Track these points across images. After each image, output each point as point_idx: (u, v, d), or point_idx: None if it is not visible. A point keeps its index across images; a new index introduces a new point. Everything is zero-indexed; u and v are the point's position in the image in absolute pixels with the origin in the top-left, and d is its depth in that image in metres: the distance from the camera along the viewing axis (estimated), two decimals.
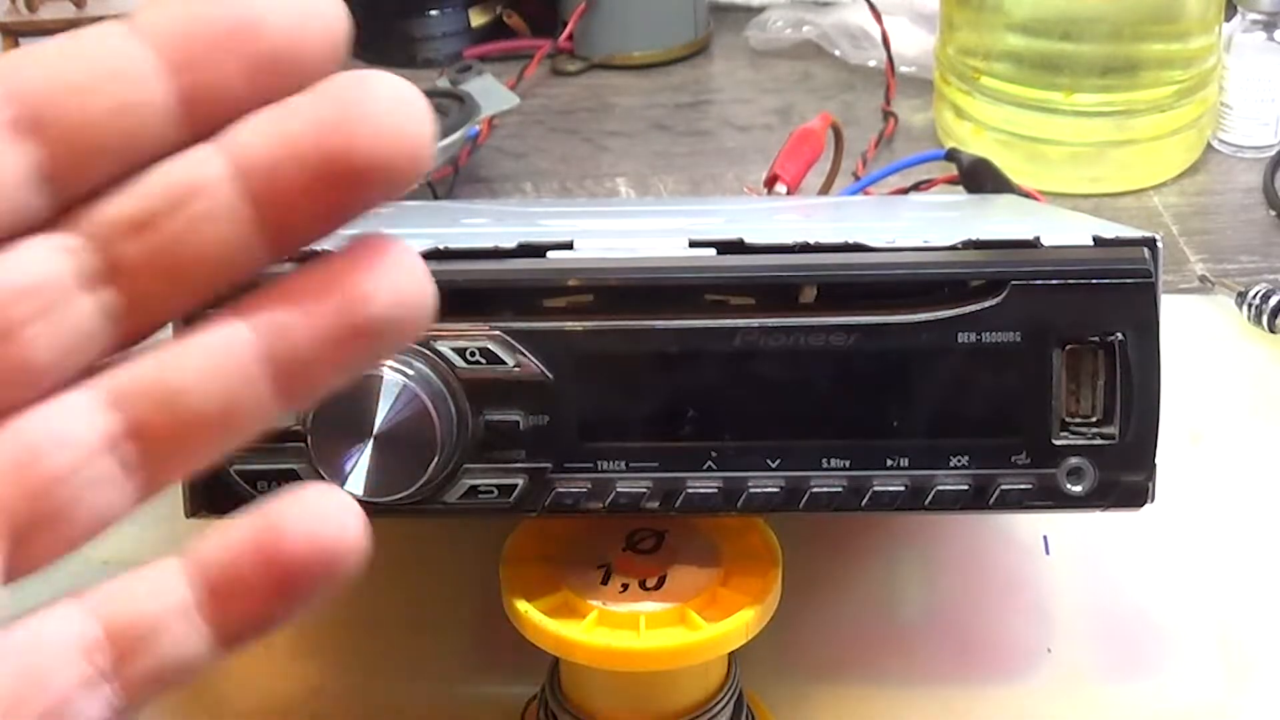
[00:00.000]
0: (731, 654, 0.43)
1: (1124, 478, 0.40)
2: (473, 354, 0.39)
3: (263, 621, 0.25)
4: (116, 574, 0.25)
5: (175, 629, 0.25)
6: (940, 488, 0.40)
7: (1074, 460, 0.40)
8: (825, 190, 0.77)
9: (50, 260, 0.24)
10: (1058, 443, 0.40)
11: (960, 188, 0.72)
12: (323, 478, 0.38)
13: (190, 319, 0.25)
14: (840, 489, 0.40)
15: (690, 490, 0.40)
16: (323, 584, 0.25)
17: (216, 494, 0.40)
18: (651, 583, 0.42)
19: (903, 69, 0.91)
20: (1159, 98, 0.78)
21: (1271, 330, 0.64)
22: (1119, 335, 0.39)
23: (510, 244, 0.39)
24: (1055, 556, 0.52)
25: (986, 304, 0.39)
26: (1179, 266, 0.72)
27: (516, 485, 0.40)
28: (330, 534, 0.24)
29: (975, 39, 0.80)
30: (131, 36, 0.23)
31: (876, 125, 0.87)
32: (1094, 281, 0.39)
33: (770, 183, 0.75)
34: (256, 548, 0.25)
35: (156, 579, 0.25)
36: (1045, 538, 0.53)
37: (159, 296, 0.24)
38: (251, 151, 0.24)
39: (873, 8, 0.91)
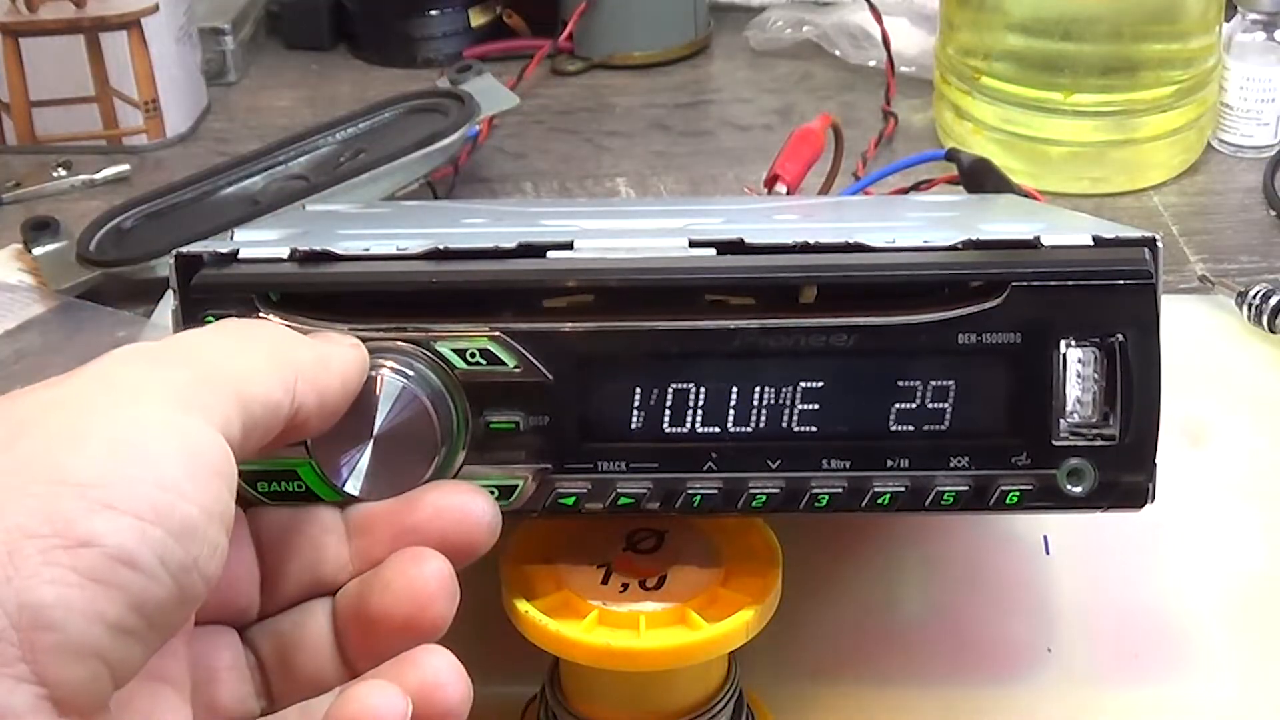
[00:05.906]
0: (731, 654, 0.43)
1: (1124, 478, 0.40)
2: (472, 355, 0.39)
3: None
4: None
5: None
6: (940, 488, 0.40)
7: (1074, 461, 0.40)
8: (825, 190, 0.77)
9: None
10: (1058, 443, 0.40)
11: (960, 188, 0.72)
12: (323, 479, 0.39)
13: None
14: (840, 489, 0.40)
15: (690, 490, 0.40)
16: None
17: None
18: (651, 583, 0.42)
19: (903, 69, 0.91)
20: (1159, 98, 0.78)
21: (1271, 330, 0.64)
22: (1119, 335, 0.39)
23: (510, 244, 0.39)
24: (1055, 556, 0.52)
25: (987, 304, 0.39)
26: (1179, 266, 0.72)
27: (517, 486, 0.40)
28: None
29: (975, 39, 0.80)
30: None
31: (876, 125, 0.87)
32: (1094, 282, 0.39)
33: (770, 183, 0.75)
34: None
35: None
36: (1045, 538, 0.53)
37: None
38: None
39: (873, 8, 0.91)
